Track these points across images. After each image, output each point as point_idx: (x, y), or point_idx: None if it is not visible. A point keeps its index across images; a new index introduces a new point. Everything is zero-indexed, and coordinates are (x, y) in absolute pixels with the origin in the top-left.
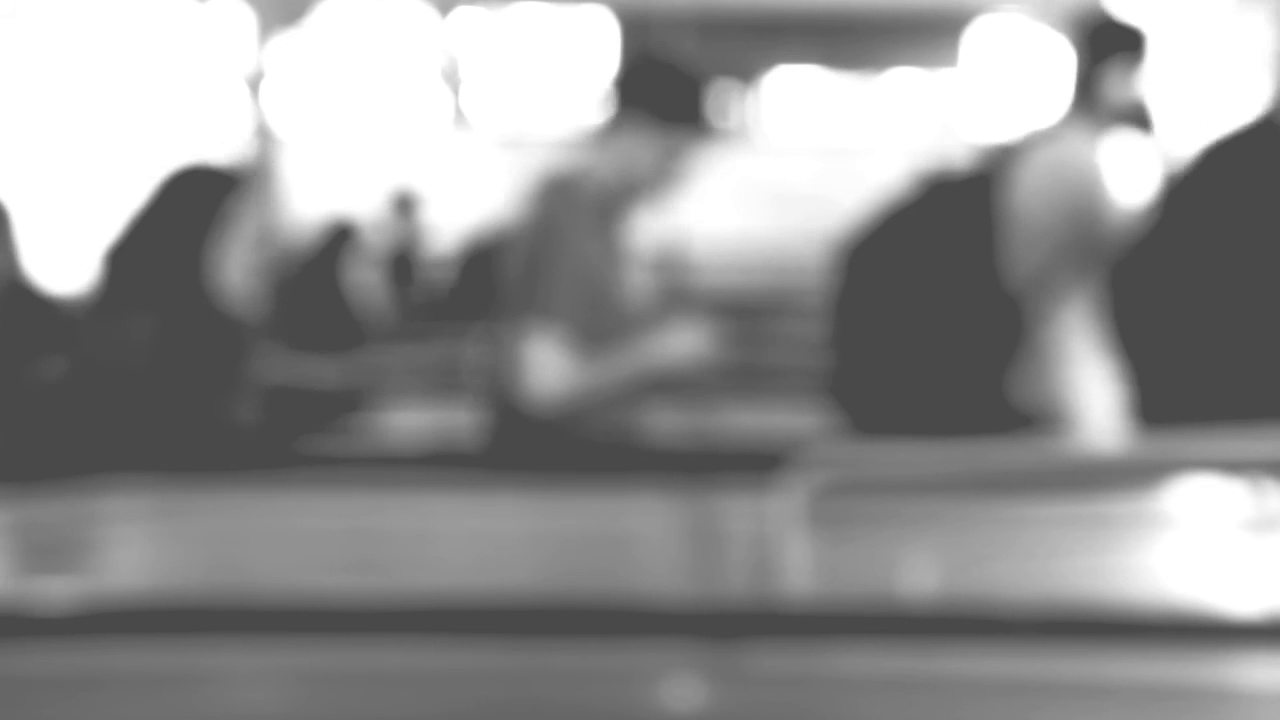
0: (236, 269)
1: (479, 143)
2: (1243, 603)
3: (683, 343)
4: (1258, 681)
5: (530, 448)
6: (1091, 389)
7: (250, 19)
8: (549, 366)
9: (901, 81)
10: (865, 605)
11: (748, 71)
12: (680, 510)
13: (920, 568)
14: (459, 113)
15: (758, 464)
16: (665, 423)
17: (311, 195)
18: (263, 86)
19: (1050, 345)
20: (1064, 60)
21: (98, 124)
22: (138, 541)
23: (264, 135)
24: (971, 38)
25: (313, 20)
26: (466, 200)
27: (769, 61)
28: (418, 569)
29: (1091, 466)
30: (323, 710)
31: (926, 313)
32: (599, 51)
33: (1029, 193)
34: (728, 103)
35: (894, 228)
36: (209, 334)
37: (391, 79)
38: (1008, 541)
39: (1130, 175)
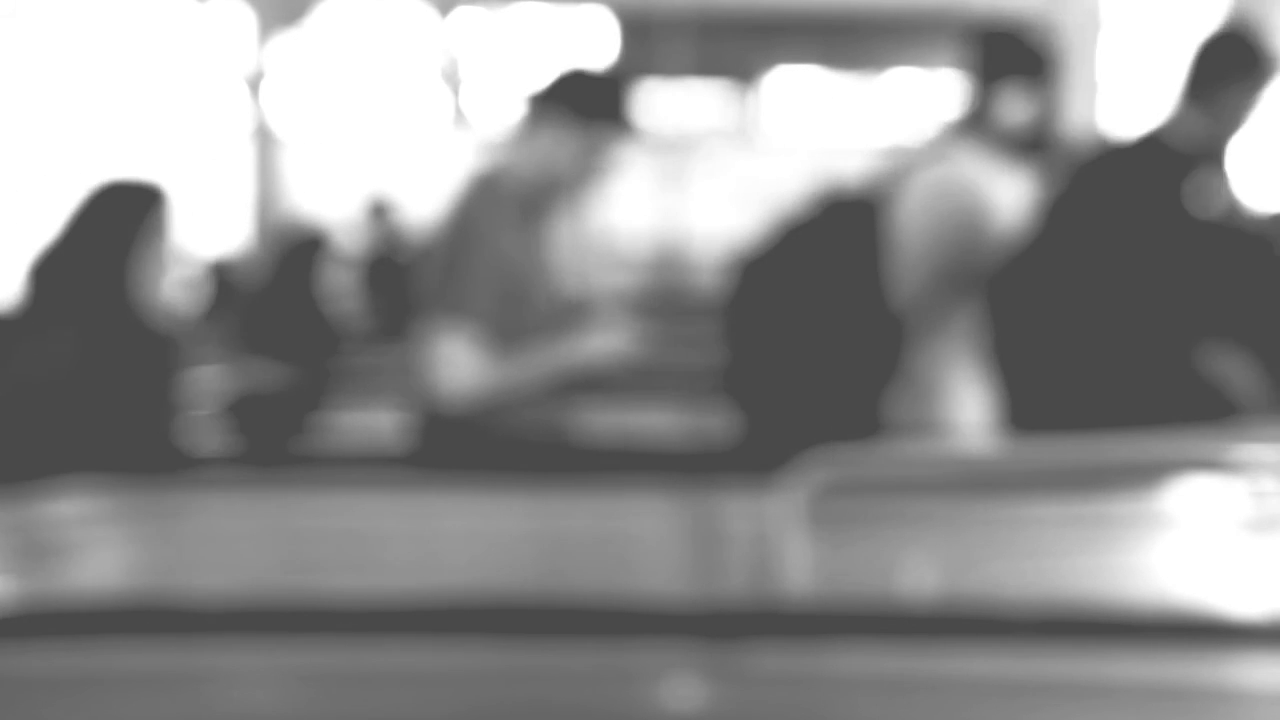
0: (160, 283)
1: (479, 143)
2: (1243, 603)
3: (603, 341)
4: (1258, 681)
5: (453, 446)
6: (964, 411)
7: (250, 19)
8: (460, 364)
9: (901, 81)
10: (865, 605)
11: (748, 71)
12: (680, 510)
13: (920, 568)
14: (459, 113)
15: (758, 464)
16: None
17: (310, 195)
18: (263, 86)
19: (927, 366)
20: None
21: (97, 124)
22: (115, 543)
23: (264, 135)
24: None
25: (313, 20)
26: None
27: (769, 61)
28: (415, 569)
29: (1091, 466)
30: (322, 710)
31: (810, 328)
32: (599, 51)
33: (911, 213)
34: (727, 103)
35: (788, 244)
36: (133, 347)
37: (391, 79)
38: (1008, 541)
39: (1019, 196)
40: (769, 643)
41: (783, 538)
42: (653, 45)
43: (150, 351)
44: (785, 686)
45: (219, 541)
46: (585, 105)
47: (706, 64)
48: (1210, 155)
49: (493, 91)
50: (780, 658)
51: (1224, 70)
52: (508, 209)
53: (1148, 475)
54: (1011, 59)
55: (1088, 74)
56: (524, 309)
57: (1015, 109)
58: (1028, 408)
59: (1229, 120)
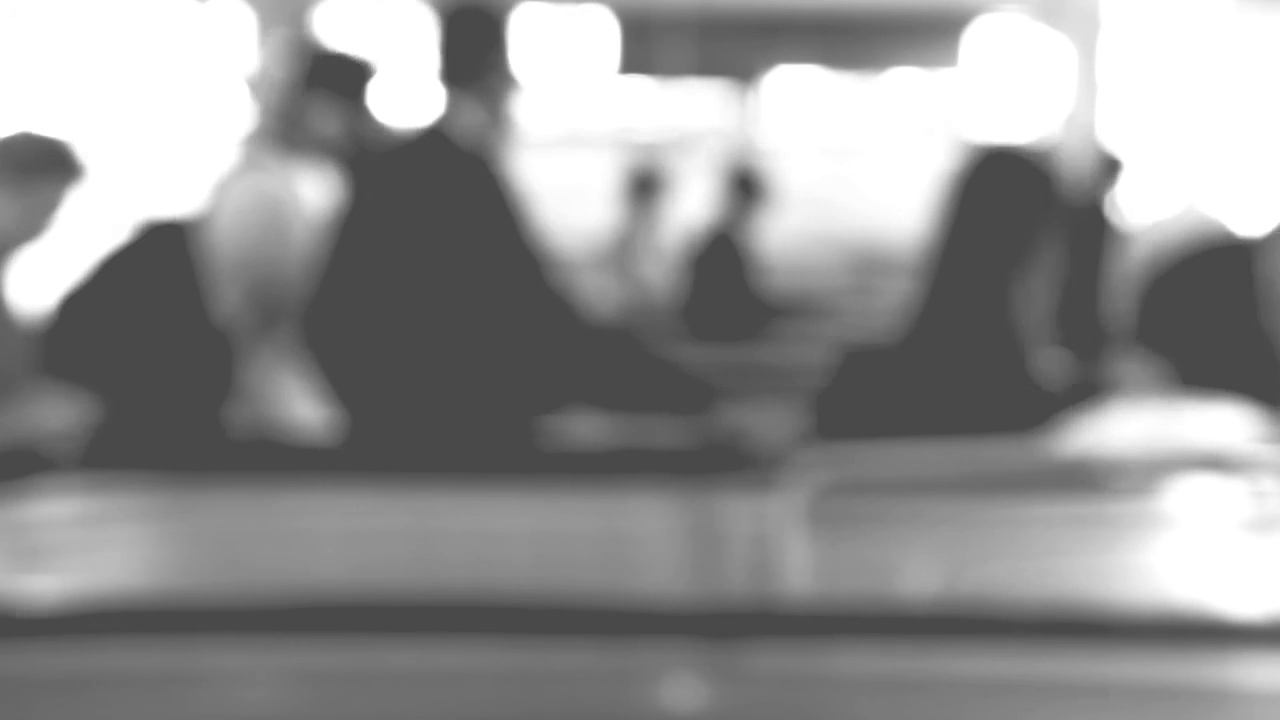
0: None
1: None
2: (1243, 603)
3: (44, 412)
4: (1258, 681)
5: None
6: (299, 418)
7: (250, 19)
8: None
9: (901, 81)
10: (865, 605)
11: (748, 71)
12: (680, 510)
13: (920, 568)
14: None
15: (757, 464)
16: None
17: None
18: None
19: (257, 378)
20: (1065, 60)
21: (97, 123)
22: (123, 542)
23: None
24: (971, 38)
25: (313, 20)
26: None
27: (769, 61)
28: (416, 569)
29: (1092, 467)
30: (323, 710)
31: (141, 353)
32: (599, 51)
33: (224, 225)
34: (726, 102)
35: (106, 272)
36: None
37: (391, 79)
38: (1008, 541)
39: (327, 204)
40: (769, 643)
41: (783, 538)
42: (652, 45)
43: None
44: (785, 686)
45: (223, 542)
46: (24, 163)
47: (706, 64)
48: (491, 146)
49: None
50: (780, 658)
51: (479, 51)
52: None
53: (1147, 476)
54: (327, 71)
55: (1088, 74)
56: None
57: (328, 120)
58: (362, 412)
59: (500, 105)
